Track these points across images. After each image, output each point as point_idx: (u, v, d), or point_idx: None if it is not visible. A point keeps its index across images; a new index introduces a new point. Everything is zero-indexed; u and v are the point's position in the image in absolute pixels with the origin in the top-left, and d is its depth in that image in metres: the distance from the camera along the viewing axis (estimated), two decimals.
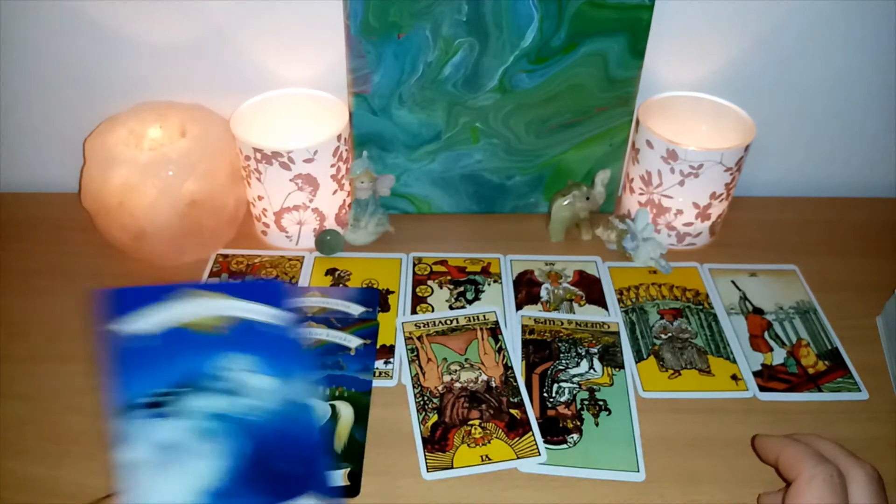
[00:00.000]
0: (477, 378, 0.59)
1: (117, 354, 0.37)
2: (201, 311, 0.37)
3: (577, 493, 0.51)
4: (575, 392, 0.58)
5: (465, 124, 0.71)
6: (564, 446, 0.54)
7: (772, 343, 0.64)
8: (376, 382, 0.59)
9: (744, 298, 0.68)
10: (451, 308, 0.66)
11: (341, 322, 0.64)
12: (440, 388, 0.58)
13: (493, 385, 0.59)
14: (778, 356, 0.62)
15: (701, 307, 0.67)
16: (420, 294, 0.68)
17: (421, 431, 0.55)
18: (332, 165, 0.68)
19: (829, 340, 0.64)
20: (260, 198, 0.70)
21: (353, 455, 0.53)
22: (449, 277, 0.70)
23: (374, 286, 0.68)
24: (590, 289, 0.69)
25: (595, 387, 0.59)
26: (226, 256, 0.72)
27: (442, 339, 0.63)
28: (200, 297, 0.38)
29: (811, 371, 0.61)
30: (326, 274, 0.70)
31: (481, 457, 0.53)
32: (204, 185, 0.66)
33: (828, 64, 0.75)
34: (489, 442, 0.54)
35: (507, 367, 0.60)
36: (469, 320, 0.65)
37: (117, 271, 0.70)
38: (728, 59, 0.74)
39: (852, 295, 0.69)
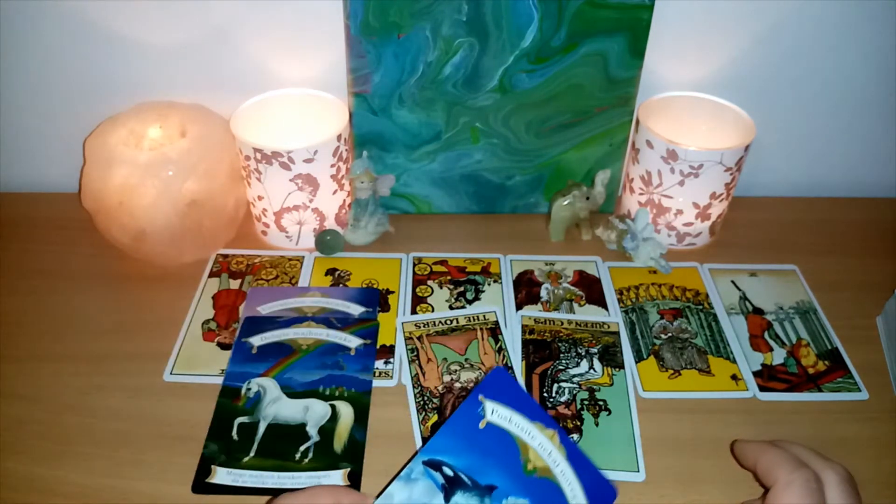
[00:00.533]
0: (477, 378, 0.59)
1: (463, 416, 0.37)
2: (538, 447, 0.37)
3: None
4: (575, 392, 0.58)
5: (465, 124, 0.71)
6: None
7: (772, 343, 0.64)
8: (376, 382, 0.59)
9: (744, 298, 0.68)
10: (451, 308, 0.66)
11: (341, 322, 0.64)
12: (440, 388, 0.58)
13: None
14: (778, 356, 0.62)
15: (701, 307, 0.67)
16: (420, 294, 0.68)
17: (421, 431, 0.55)
18: (332, 165, 0.68)
19: (829, 340, 0.64)
20: (260, 198, 0.70)
21: (353, 455, 0.53)
22: (449, 277, 0.70)
23: (374, 286, 0.68)
24: (590, 289, 0.69)
25: (595, 387, 0.59)
26: (226, 256, 0.72)
27: (442, 339, 0.63)
28: (545, 435, 0.38)
29: (811, 371, 0.61)
30: (326, 274, 0.70)
31: None
32: (204, 185, 0.66)
33: (827, 64, 0.75)
34: None
35: (508, 367, 0.60)
36: (469, 320, 0.65)
37: (117, 271, 0.70)
38: (728, 59, 0.74)
39: (852, 295, 0.69)
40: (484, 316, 0.65)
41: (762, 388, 0.59)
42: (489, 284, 0.69)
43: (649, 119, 0.70)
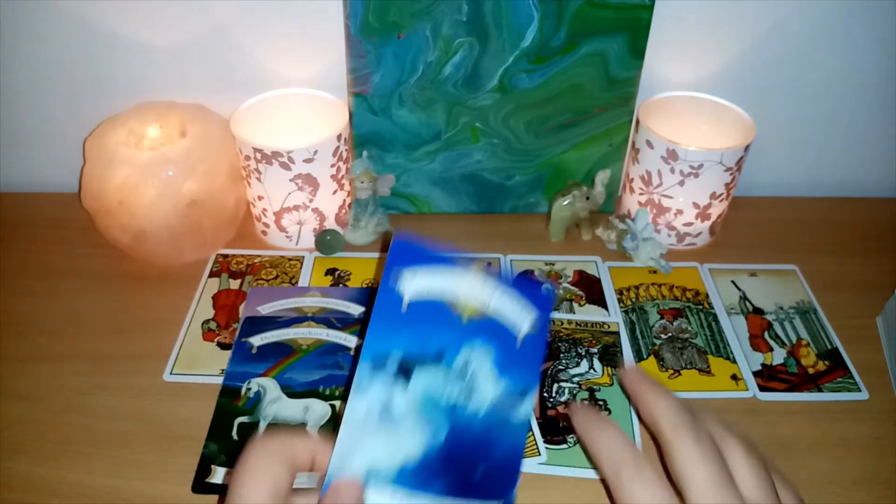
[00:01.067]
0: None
1: (384, 305, 0.35)
2: (466, 293, 0.36)
3: (577, 493, 0.51)
4: (575, 392, 0.58)
5: (465, 124, 0.71)
6: (564, 446, 0.54)
7: (772, 343, 0.64)
8: None
9: (744, 298, 0.68)
10: None
11: (341, 322, 0.64)
12: None
13: None
14: (778, 356, 0.62)
15: (701, 307, 0.67)
16: None
17: None
18: (332, 165, 0.68)
19: (829, 340, 0.64)
20: (260, 198, 0.70)
21: None
22: None
23: (375, 286, 0.68)
24: (590, 289, 0.69)
25: (595, 387, 0.59)
26: (226, 256, 0.72)
27: None
28: (472, 276, 0.36)
29: (811, 371, 0.61)
30: (326, 274, 0.70)
31: None
32: (204, 185, 0.66)
33: (827, 64, 0.75)
34: None
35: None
36: None
37: (117, 271, 0.70)
38: (728, 59, 0.74)
39: (852, 295, 0.68)
40: None
41: (762, 388, 0.59)
42: None
43: (649, 119, 0.70)
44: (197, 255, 0.71)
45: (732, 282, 0.70)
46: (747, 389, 0.59)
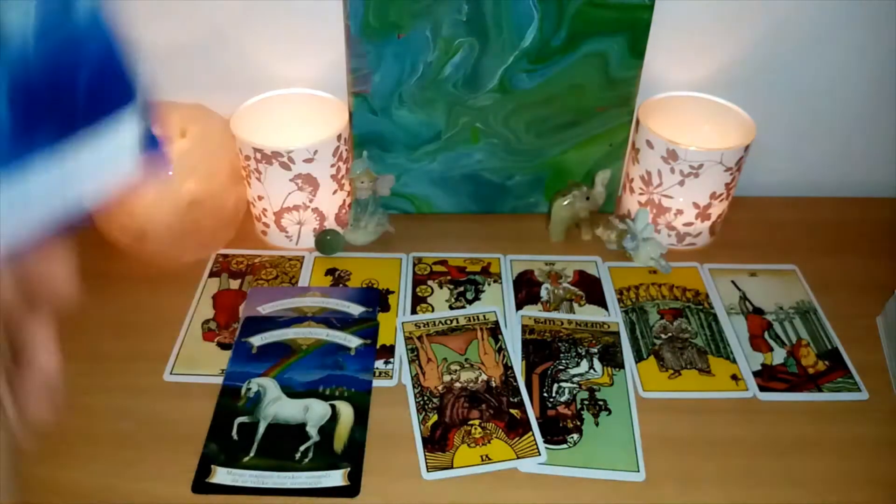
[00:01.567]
0: (477, 378, 0.59)
1: None
2: None
3: (577, 493, 0.51)
4: (575, 392, 0.58)
5: (465, 124, 0.71)
6: (564, 446, 0.54)
7: (772, 343, 0.64)
8: (376, 382, 0.59)
9: (744, 298, 0.68)
10: (451, 308, 0.66)
11: (341, 322, 0.64)
12: (440, 388, 0.58)
13: (493, 385, 0.59)
14: (778, 356, 0.62)
15: (701, 307, 0.67)
16: (420, 294, 0.68)
17: (421, 431, 0.55)
18: (332, 165, 0.68)
19: (829, 340, 0.64)
20: (260, 198, 0.70)
21: (353, 455, 0.53)
22: (449, 277, 0.70)
23: (374, 286, 0.68)
24: (590, 289, 0.69)
25: (595, 387, 0.59)
26: (226, 256, 0.72)
27: (442, 339, 0.63)
28: None
29: (811, 371, 0.61)
30: (326, 274, 0.70)
31: (481, 457, 0.53)
32: (204, 185, 0.66)
33: (828, 64, 0.75)
34: (489, 442, 0.54)
35: (507, 367, 0.60)
36: (469, 320, 0.65)
37: (117, 271, 0.70)
38: (728, 59, 0.74)
39: (852, 295, 0.68)
40: (484, 316, 0.65)
41: (762, 388, 0.59)
42: (489, 284, 0.69)
43: (649, 119, 0.70)
44: (197, 255, 0.71)
45: (732, 282, 0.70)
46: (747, 389, 0.59)
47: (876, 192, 0.84)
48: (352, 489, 0.51)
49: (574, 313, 0.66)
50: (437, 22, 0.64)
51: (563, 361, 0.61)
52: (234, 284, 0.68)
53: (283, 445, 0.53)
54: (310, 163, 0.66)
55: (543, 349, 0.62)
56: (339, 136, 0.68)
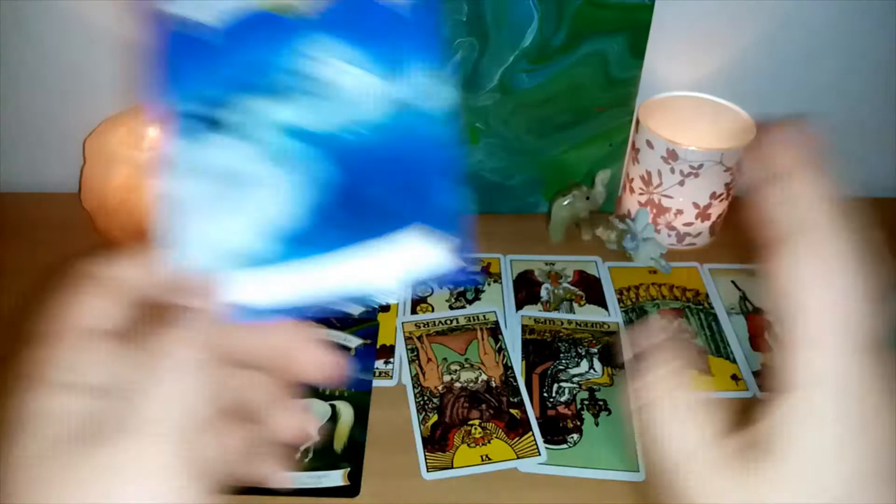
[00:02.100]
0: (477, 378, 0.59)
1: (164, 42, 0.25)
2: None
3: (577, 493, 0.51)
4: (575, 392, 0.58)
5: (465, 124, 0.71)
6: (564, 446, 0.54)
7: (772, 343, 0.64)
8: (376, 382, 0.59)
9: (744, 298, 0.68)
10: (451, 308, 0.66)
11: (341, 322, 0.64)
12: (440, 388, 0.58)
13: (493, 385, 0.59)
14: None
15: (701, 307, 0.67)
16: (420, 294, 0.68)
17: (421, 431, 0.55)
18: None
19: None
20: None
21: (353, 455, 0.53)
22: None
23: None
24: (590, 289, 0.69)
25: (595, 387, 0.59)
26: None
27: (442, 339, 0.63)
28: None
29: None
30: None
31: (481, 457, 0.53)
32: None
33: (827, 64, 0.75)
34: (489, 442, 0.54)
35: (507, 367, 0.60)
36: (469, 320, 0.65)
37: None
38: (728, 59, 0.74)
39: None
40: (484, 316, 0.65)
41: (762, 389, 0.59)
42: (489, 284, 0.69)
43: (649, 119, 0.70)
44: None
45: (732, 282, 0.70)
46: (747, 389, 0.59)
47: (876, 192, 0.84)
48: (352, 489, 0.51)
49: (574, 313, 0.66)
50: None
51: (563, 361, 0.61)
52: None
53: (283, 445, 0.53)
54: None
55: (543, 349, 0.62)
56: None
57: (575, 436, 0.55)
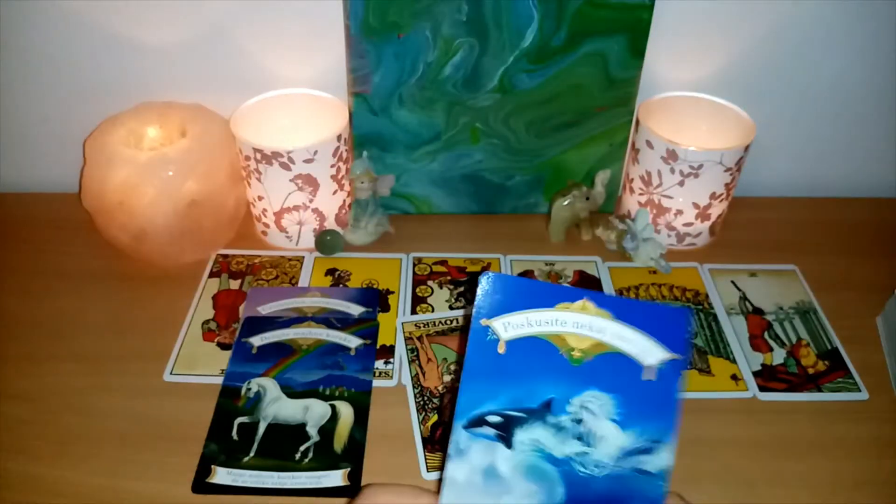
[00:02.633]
0: None
1: (477, 351, 0.32)
2: (571, 328, 0.31)
3: None
4: None
5: (465, 124, 0.71)
6: None
7: (772, 343, 0.64)
8: (376, 382, 0.59)
9: (744, 298, 0.68)
10: (451, 308, 0.66)
11: (341, 322, 0.64)
12: (440, 388, 0.58)
13: None
14: (778, 356, 0.62)
15: (701, 307, 0.67)
16: (420, 294, 0.68)
17: (421, 431, 0.55)
18: (332, 165, 0.68)
19: (829, 340, 0.64)
20: (260, 198, 0.70)
21: (353, 455, 0.53)
22: (449, 277, 0.70)
23: (374, 286, 0.68)
24: (590, 289, 0.69)
25: None
26: (226, 256, 0.72)
27: (442, 339, 0.63)
28: (575, 311, 0.31)
29: (811, 371, 0.61)
30: (326, 274, 0.70)
31: None
32: (204, 185, 0.66)
33: (827, 64, 0.75)
34: None
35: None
36: (469, 320, 0.65)
37: (117, 271, 0.70)
38: (728, 59, 0.74)
39: (852, 295, 0.68)
40: None
41: (762, 388, 0.59)
42: None
43: (649, 119, 0.70)
44: (197, 255, 0.71)
45: (732, 282, 0.70)
46: (747, 389, 0.59)
47: (876, 192, 0.84)
48: (352, 489, 0.51)
49: None
50: (437, 22, 0.64)
51: None
52: (235, 285, 0.68)
53: (283, 445, 0.53)
54: (310, 163, 0.66)
55: None
56: (339, 137, 0.68)
57: None
